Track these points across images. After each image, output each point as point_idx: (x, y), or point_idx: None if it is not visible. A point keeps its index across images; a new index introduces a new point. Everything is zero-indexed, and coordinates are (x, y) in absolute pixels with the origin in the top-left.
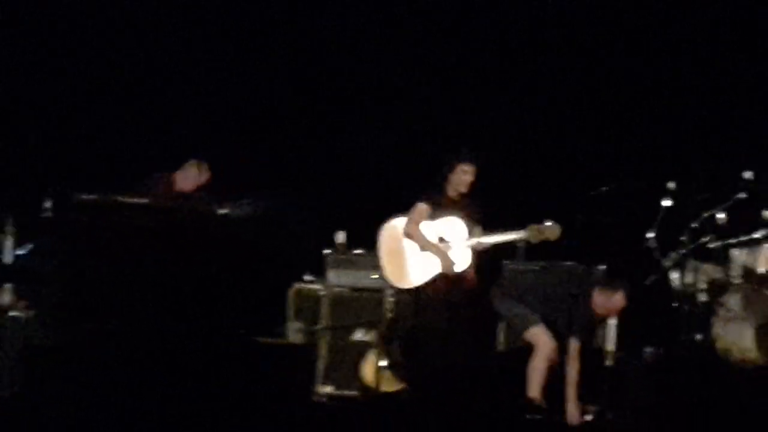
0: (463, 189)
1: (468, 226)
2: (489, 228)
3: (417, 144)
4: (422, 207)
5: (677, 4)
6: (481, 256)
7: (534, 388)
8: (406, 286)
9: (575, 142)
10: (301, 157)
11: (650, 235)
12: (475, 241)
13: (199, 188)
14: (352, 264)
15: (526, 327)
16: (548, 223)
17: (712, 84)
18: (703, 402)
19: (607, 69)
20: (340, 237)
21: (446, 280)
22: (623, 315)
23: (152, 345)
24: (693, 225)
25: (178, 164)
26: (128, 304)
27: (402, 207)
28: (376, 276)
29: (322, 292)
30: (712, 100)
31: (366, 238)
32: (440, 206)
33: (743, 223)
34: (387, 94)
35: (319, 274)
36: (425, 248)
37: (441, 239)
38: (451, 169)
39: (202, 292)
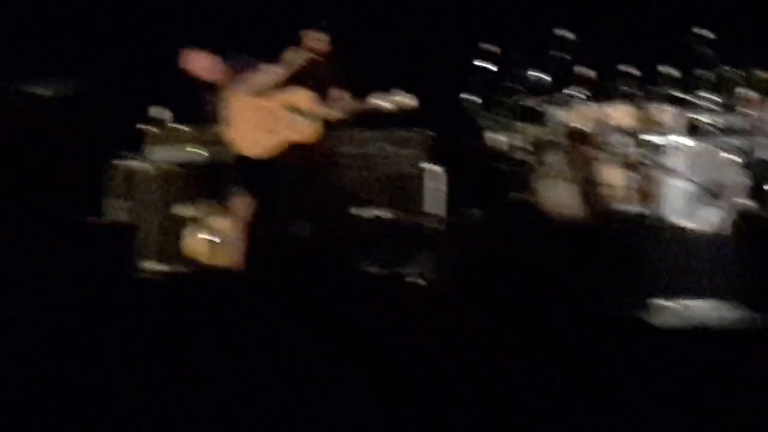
0: (319, 58)
1: (322, 94)
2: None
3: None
4: (275, 71)
5: None
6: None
7: None
8: (258, 155)
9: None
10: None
11: (468, 96)
12: (326, 109)
13: None
14: (173, 139)
15: None
16: (402, 92)
17: None
18: (530, 261)
19: None
20: (158, 111)
21: (299, 148)
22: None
23: None
24: (509, 84)
25: None
26: None
27: None
28: (196, 149)
29: (142, 169)
30: None
31: (185, 113)
32: (294, 75)
33: (560, 81)
34: None
35: (138, 150)
36: (287, 104)
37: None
38: (305, 35)
39: (14, 176)
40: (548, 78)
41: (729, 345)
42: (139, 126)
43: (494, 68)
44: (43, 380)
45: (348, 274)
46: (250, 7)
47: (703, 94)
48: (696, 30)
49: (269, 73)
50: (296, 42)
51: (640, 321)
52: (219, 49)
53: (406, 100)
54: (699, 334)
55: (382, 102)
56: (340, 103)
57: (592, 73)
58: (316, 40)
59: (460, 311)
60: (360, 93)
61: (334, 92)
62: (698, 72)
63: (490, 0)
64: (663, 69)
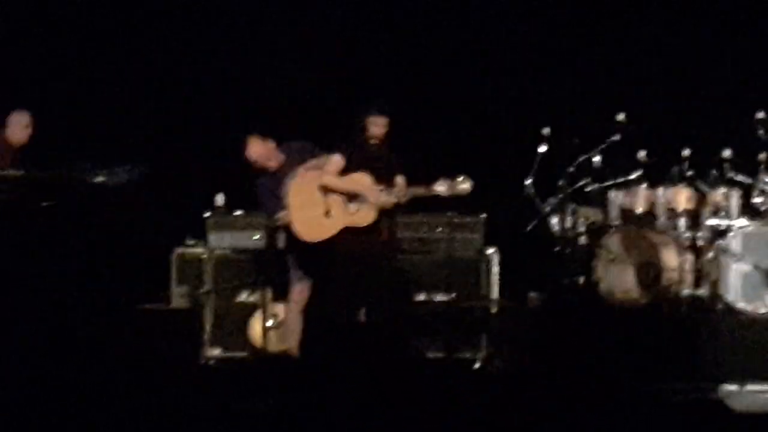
0: (376, 142)
1: (381, 180)
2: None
3: (295, 103)
4: (337, 159)
5: None
6: (395, 210)
7: None
8: (317, 239)
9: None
10: (179, 119)
11: (528, 181)
12: (385, 196)
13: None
14: (233, 226)
15: None
16: (460, 178)
17: (581, 29)
18: (588, 344)
19: (476, 18)
20: (219, 199)
21: (358, 234)
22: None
23: (33, 320)
24: (570, 169)
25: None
26: (5, 281)
27: None
28: (258, 237)
29: (204, 255)
30: (582, 45)
31: (246, 200)
32: (353, 161)
33: (619, 165)
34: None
35: (201, 237)
36: (349, 191)
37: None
38: (361, 121)
39: (80, 264)
40: (608, 162)
41: None
42: (201, 213)
43: (555, 153)
44: None
45: (406, 358)
46: (310, 94)
47: (763, 177)
48: (758, 114)
49: (329, 159)
50: (357, 128)
51: (719, 406)
52: (279, 135)
53: (464, 185)
54: None
55: (441, 187)
56: (400, 188)
57: (652, 158)
58: (377, 126)
59: (518, 394)
60: (421, 178)
61: (394, 177)
62: (759, 155)
63: (551, 85)
64: (723, 152)
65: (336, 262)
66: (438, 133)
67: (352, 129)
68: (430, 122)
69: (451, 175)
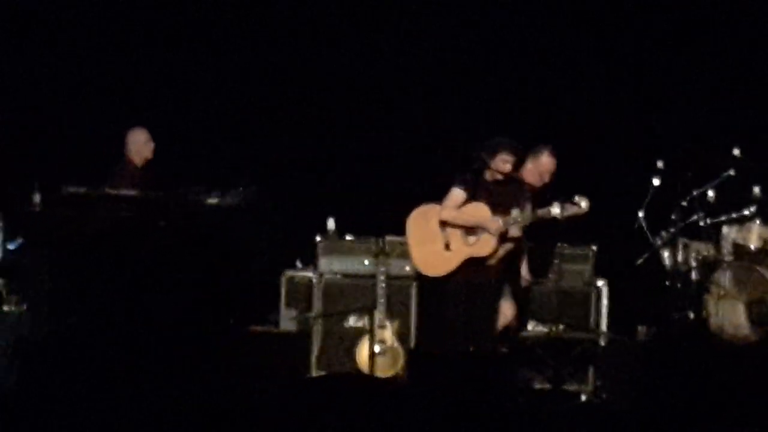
0: (500, 178)
1: (503, 212)
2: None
3: (406, 130)
4: (457, 192)
5: None
6: (516, 238)
7: None
8: (439, 274)
9: (576, 124)
10: (292, 143)
11: (640, 213)
12: (502, 224)
13: (149, 161)
14: (343, 250)
15: None
16: (576, 199)
17: (698, 62)
18: (697, 380)
19: (594, 51)
20: (331, 223)
21: (476, 266)
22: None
23: (145, 338)
24: (683, 203)
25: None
26: (119, 298)
27: (393, 192)
28: (368, 262)
29: (314, 279)
30: (699, 77)
31: (357, 225)
32: (475, 193)
33: (733, 200)
34: (380, 82)
35: (311, 261)
36: (469, 224)
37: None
38: (491, 156)
39: (193, 284)
40: (722, 197)
41: None
42: (312, 237)
43: (669, 186)
44: None
45: (514, 389)
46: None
47: None
48: None
49: (450, 192)
50: (483, 162)
51: None
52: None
53: (581, 205)
54: None
55: (556, 209)
56: (516, 215)
57: (766, 194)
58: (505, 163)
59: (624, 429)
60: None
61: (518, 206)
62: None
63: (668, 117)
64: None
65: (447, 291)
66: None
67: (475, 161)
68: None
69: (566, 200)
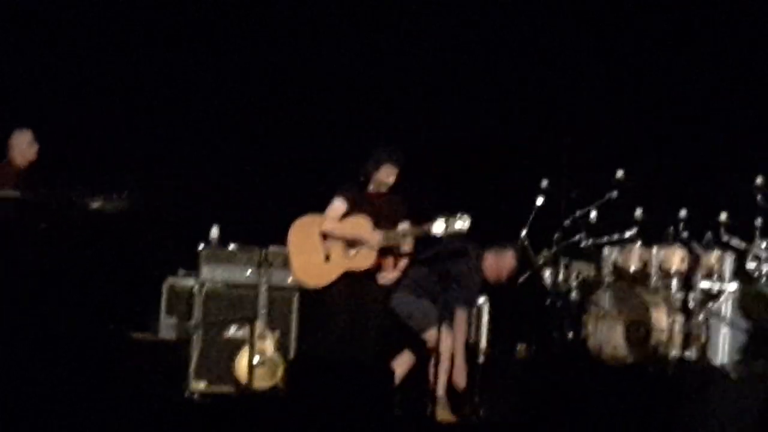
0: (384, 189)
1: (385, 225)
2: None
3: (292, 139)
4: (338, 203)
5: None
6: (395, 253)
7: (440, 386)
8: (317, 285)
9: (461, 142)
10: (177, 149)
11: (523, 232)
12: (383, 238)
13: (32, 163)
14: (226, 259)
15: (423, 329)
16: (457, 215)
17: (586, 83)
18: (574, 399)
19: (480, 65)
20: (215, 232)
21: (355, 279)
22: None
23: (22, 341)
24: (565, 223)
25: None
26: None
27: (278, 202)
28: (250, 271)
29: (195, 288)
30: (585, 99)
31: (240, 234)
32: (356, 204)
33: (615, 221)
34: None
35: (193, 269)
36: (349, 236)
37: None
38: (375, 167)
39: (73, 288)
40: (604, 219)
41: None
42: (195, 245)
43: (551, 206)
44: None
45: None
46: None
47: (758, 242)
48: (756, 180)
49: (331, 204)
50: (366, 174)
51: None
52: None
53: (462, 223)
54: None
55: (438, 227)
56: (398, 231)
57: (648, 216)
58: (389, 175)
59: None
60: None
61: (399, 222)
62: (755, 220)
63: (551, 138)
64: (720, 215)
65: (328, 303)
66: (435, 181)
67: (357, 174)
68: (428, 169)
69: (447, 216)
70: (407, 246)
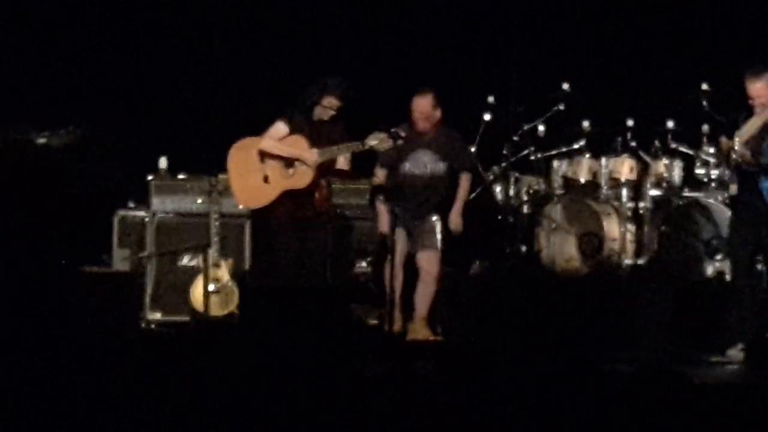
0: (326, 118)
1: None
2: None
3: (240, 66)
4: (280, 125)
5: None
6: (332, 171)
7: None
8: (256, 206)
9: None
10: (122, 81)
11: (472, 148)
12: (320, 155)
13: None
14: (175, 189)
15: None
16: (394, 130)
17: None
18: (529, 312)
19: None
20: (163, 162)
21: (296, 199)
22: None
23: None
24: (513, 138)
25: None
26: None
27: (225, 130)
28: (201, 200)
29: (147, 219)
30: (529, 13)
31: (189, 163)
32: (297, 128)
33: (563, 134)
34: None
35: (143, 200)
36: (286, 154)
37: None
38: (320, 96)
39: (24, 225)
40: (552, 131)
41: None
42: (144, 176)
43: (499, 121)
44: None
45: (348, 325)
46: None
47: (706, 148)
48: (702, 86)
49: (273, 125)
50: (310, 101)
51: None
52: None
53: (400, 136)
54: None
55: (374, 141)
56: (334, 147)
57: (595, 127)
58: (330, 107)
59: (458, 362)
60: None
61: (336, 143)
62: (702, 127)
63: (496, 53)
64: (666, 123)
65: (273, 227)
66: (380, 98)
67: (302, 98)
68: (374, 86)
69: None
70: (344, 163)
